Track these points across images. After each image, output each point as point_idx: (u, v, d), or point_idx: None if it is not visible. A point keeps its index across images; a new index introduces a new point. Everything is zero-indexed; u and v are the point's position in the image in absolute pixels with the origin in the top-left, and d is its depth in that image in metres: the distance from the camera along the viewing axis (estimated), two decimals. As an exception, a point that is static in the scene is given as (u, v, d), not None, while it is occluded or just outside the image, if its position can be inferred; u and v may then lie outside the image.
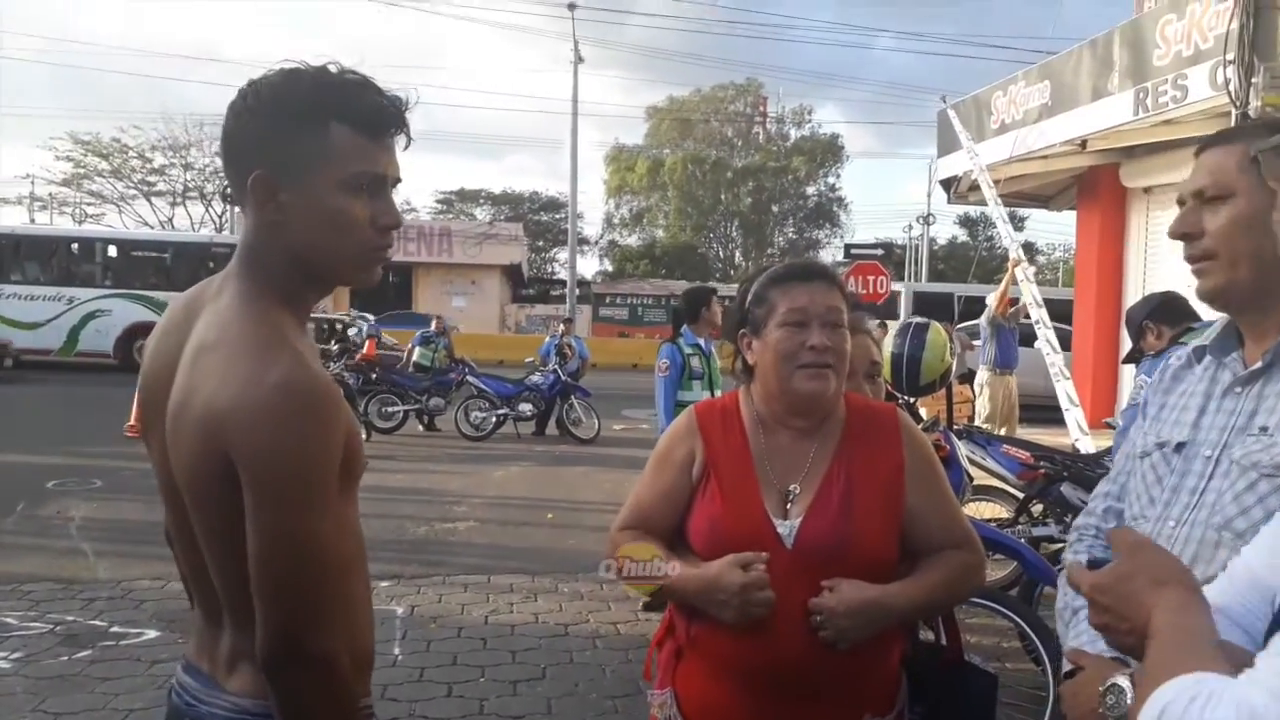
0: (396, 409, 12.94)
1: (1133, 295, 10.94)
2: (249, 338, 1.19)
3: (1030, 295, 9.26)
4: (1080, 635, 1.41)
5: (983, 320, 10.20)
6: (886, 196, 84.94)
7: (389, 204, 1.29)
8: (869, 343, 2.39)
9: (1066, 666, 1.39)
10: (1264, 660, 0.68)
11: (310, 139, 1.22)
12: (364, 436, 8.62)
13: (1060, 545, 5.06)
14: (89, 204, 38.40)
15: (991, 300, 10.01)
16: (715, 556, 1.68)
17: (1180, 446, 1.36)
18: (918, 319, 3.98)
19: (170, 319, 1.33)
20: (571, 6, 28.85)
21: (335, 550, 1.20)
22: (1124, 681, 1.20)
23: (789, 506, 1.71)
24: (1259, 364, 1.29)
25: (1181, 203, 1.40)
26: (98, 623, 4.96)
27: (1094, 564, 0.96)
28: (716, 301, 5.96)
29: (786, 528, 1.68)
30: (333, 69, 1.26)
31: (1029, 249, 48.43)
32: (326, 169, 1.23)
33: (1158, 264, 11.31)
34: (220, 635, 1.29)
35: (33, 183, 39.14)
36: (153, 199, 38.37)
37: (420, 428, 13.15)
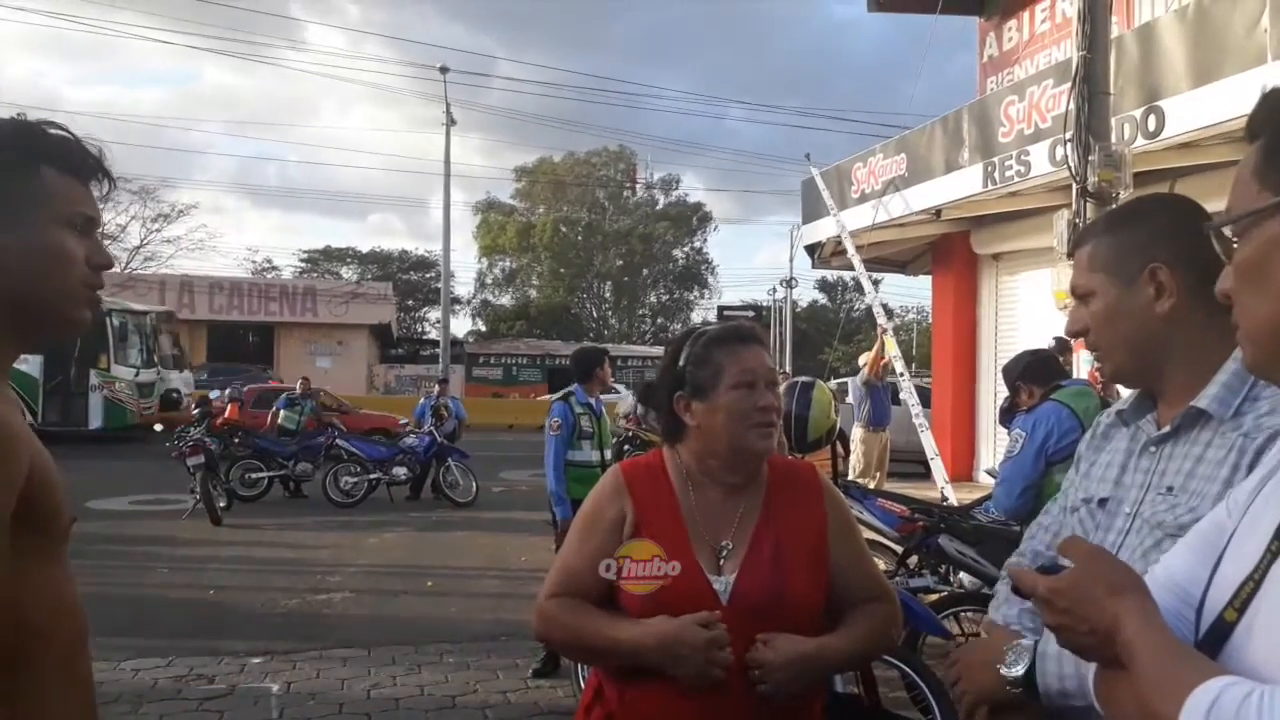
0: (260, 475, 12.38)
1: (986, 355, 11.66)
2: None
3: (896, 356, 9.87)
4: (1001, 613, 1.49)
5: (857, 380, 10.80)
6: (748, 261, 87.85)
7: (99, 244, 1.28)
8: None
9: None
10: None
11: (23, 182, 1.19)
12: (224, 504, 8.14)
13: (937, 594, 5.26)
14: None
15: (864, 362, 10.70)
16: (651, 615, 1.68)
17: (1103, 502, 1.44)
18: (803, 379, 4.12)
19: None
20: (444, 70, 28.89)
21: (22, 614, 1.07)
22: (1027, 643, 1.27)
23: (722, 562, 1.73)
24: (1167, 428, 1.38)
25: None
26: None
27: (1044, 570, 1.01)
28: (605, 363, 6.02)
29: (721, 583, 1.71)
30: (28, 117, 1.24)
31: (884, 311, 50.98)
32: (42, 209, 1.19)
33: (1010, 326, 12.06)
34: None
35: None
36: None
37: (285, 494, 12.61)
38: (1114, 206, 3.51)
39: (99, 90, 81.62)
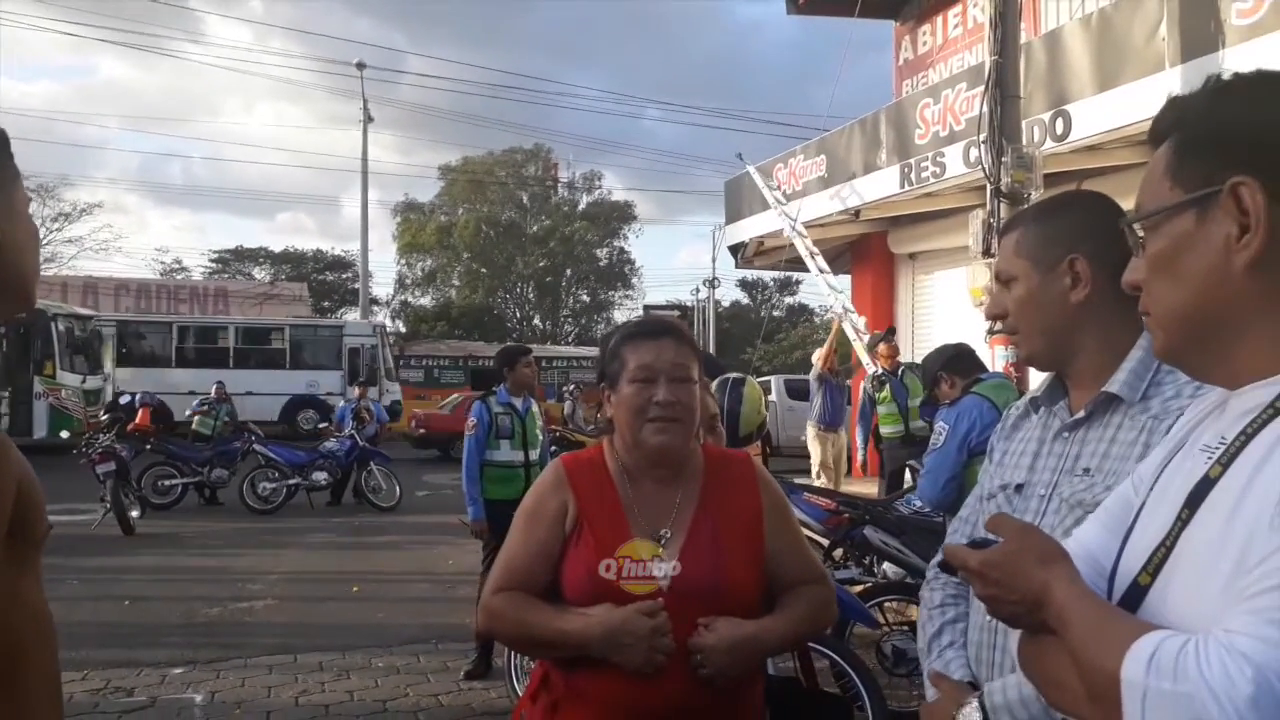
0: (174, 482, 12.01)
1: (904, 351, 11.92)
2: None
3: (863, 349, 9.59)
4: (944, 659, 1.54)
5: (810, 376, 10.12)
6: (668, 261, 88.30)
7: None
8: (707, 397, 2.51)
9: (931, 692, 1.51)
10: (1236, 619, 0.79)
11: (8, 159, 1.17)
12: (136, 513, 7.87)
13: (862, 585, 5.39)
14: None
15: (817, 357, 10.16)
16: (593, 604, 1.71)
17: (1020, 487, 1.53)
18: (735, 375, 4.17)
19: None
20: (360, 66, 28.40)
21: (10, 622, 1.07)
22: (974, 708, 1.34)
23: (662, 550, 1.77)
24: (1081, 413, 1.46)
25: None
26: None
27: (975, 545, 1.08)
28: (527, 361, 6.00)
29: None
30: None
31: (804, 310, 51.72)
32: (19, 190, 1.18)
33: (925, 323, 12.39)
34: None
35: None
36: None
37: (201, 501, 12.25)
38: (1032, 203, 3.65)
39: (-13, 83, 77.87)
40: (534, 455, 5.88)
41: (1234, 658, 0.75)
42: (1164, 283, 0.96)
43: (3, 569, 1.05)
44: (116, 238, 59.91)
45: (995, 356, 6.97)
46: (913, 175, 9.93)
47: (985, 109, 7.22)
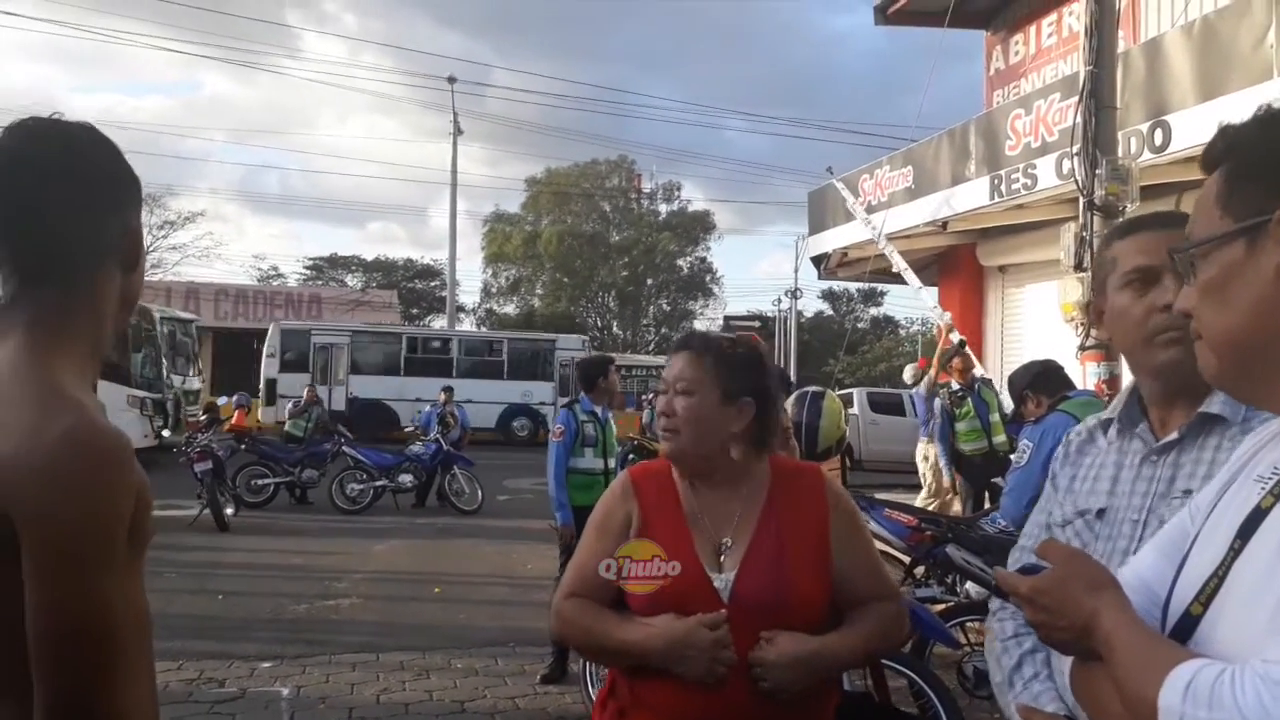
0: (267, 481, 12.44)
1: (992, 366, 11.67)
2: (28, 391, 1.13)
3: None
4: (1030, 692, 1.50)
5: (920, 390, 9.25)
6: (748, 271, 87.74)
7: None
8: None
9: None
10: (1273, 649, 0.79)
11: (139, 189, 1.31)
12: (231, 510, 8.20)
13: (944, 604, 5.28)
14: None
15: (911, 376, 9.75)
16: (655, 613, 1.74)
17: (1101, 513, 1.48)
18: (814, 389, 4.16)
19: None
20: (451, 80, 29.08)
21: (123, 614, 1.13)
22: None
23: (722, 560, 1.78)
24: (1174, 435, 1.42)
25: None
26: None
27: (1025, 571, 1.08)
28: (614, 371, 6.06)
29: (721, 581, 1.75)
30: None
31: (889, 322, 50.94)
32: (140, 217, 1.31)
33: (1015, 337, 12.08)
34: None
35: None
36: None
37: (292, 501, 12.65)
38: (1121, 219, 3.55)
39: (100, 98, 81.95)
40: (612, 463, 5.96)
41: (1269, 687, 0.76)
42: (1214, 310, 0.96)
43: (123, 569, 1.12)
44: (217, 245, 62.47)
45: (1086, 374, 6.76)
46: (1003, 187, 9.71)
47: (1079, 120, 7.03)
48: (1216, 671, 0.80)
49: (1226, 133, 0.98)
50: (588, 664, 4.78)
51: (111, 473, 1.11)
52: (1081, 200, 7.01)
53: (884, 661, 3.95)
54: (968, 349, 9.06)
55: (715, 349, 1.88)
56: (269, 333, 24.30)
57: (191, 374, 19.67)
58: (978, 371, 9.06)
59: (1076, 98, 7.17)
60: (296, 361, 23.37)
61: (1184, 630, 0.94)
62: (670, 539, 1.79)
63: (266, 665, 5.58)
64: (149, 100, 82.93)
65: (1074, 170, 7.16)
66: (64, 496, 1.07)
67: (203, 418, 12.70)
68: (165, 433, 16.30)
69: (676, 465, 1.87)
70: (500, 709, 5.00)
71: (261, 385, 23.22)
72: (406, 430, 18.28)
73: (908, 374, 10.08)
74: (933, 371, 9.09)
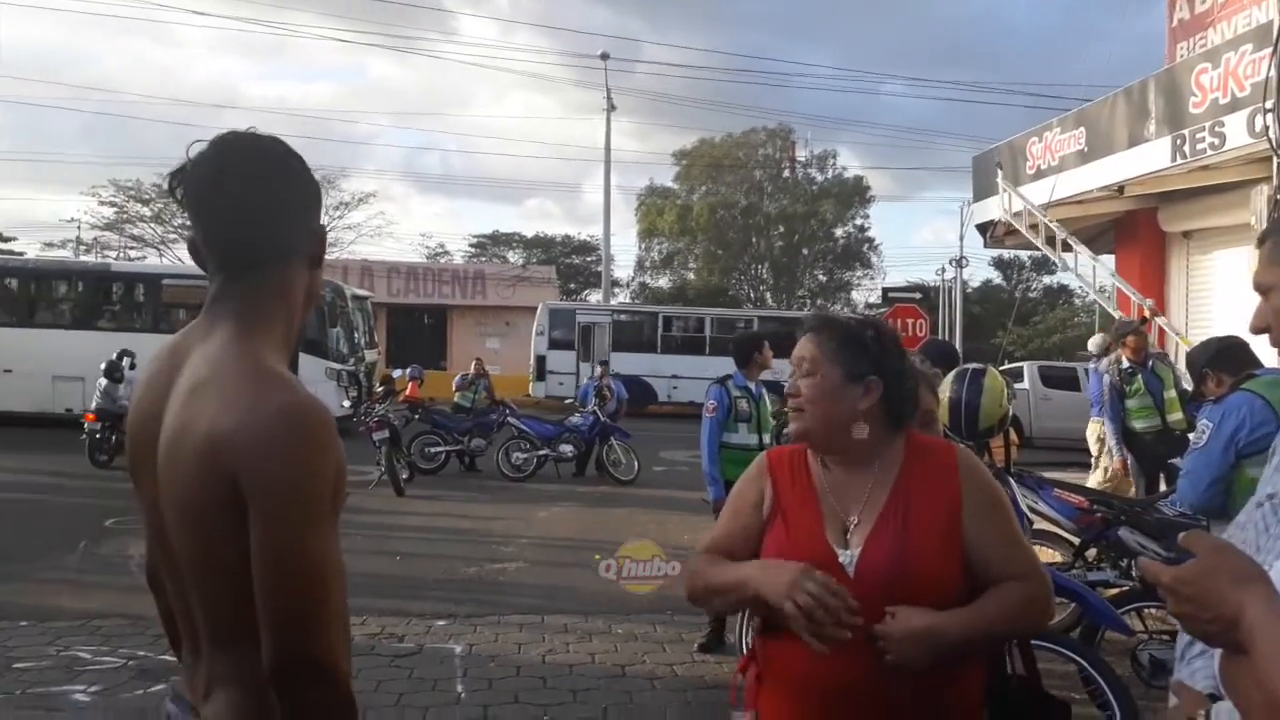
0: (439, 449, 13.12)
1: (1179, 337, 10.95)
2: (244, 369, 1.30)
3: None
4: (1190, 668, 1.49)
5: (1102, 366, 8.33)
6: (908, 239, 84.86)
7: None
8: (921, 390, 2.45)
9: (1172, 700, 1.47)
10: None
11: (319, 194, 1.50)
12: (406, 476, 8.77)
13: (1118, 589, 5.07)
14: (131, 248, 39.27)
15: (1095, 345, 9.14)
16: None
17: None
18: (974, 365, 4.05)
19: (157, 364, 1.43)
20: (604, 57, 29.42)
21: (333, 565, 1.27)
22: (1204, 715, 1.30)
23: (849, 536, 1.82)
24: None
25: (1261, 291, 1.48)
26: (168, 658, 5.08)
27: (1171, 562, 1.07)
28: (767, 347, 6.09)
29: (847, 556, 1.80)
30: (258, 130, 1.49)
31: (1063, 291, 48.24)
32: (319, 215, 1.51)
33: (1202, 307, 11.29)
34: (199, 665, 1.36)
35: (79, 227, 40.20)
36: (193, 243, 39.14)
37: (461, 468, 13.30)
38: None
39: (276, 85, 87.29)
40: (766, 439, 5.99)
41: None
42: None
43: (330, 527, 1.28)
44: (387, 224, 65.52)
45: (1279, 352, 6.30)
46: (1186, 148, 9.07)
47: (1274, 72, 6.50)
48: None
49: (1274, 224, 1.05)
50: (744, 634, 4.88)
51: (319, 441, 1.28)
52: (1276, 160, 6.51)
53: (1051, 646, 3.87)
54: (1144, 329, 8.48)
55: (837, 330, 1.92)
56: (538, 312, 26.11)
57: (368, 346, 20.84)
58: (1167, 345, 8.54)
59: (1271, 49, 6.63)
60: (563, 340, 24.97)
61: None
62: (800, 516, 1.87)
63: (441, 623, 5.95)
64: (318, 86, 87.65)
65: (1268, 128, 6.64)
66: (280, 462, 1.24)
67: (380, 389, 13.49)
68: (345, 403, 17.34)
69: (804, 443, 1.93)
70: (659, 675, 5.17)
71: (531, 361, 25.23)
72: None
73: (1093, 343, 9.51)
74: (1125, 350, 8.01)
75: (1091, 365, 8.96)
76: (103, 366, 13.22)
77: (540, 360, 24.85)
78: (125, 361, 12.89)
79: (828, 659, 1.69)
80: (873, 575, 1.75)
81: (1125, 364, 7.67)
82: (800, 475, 1.93)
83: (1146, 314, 9.44)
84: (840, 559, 1.79)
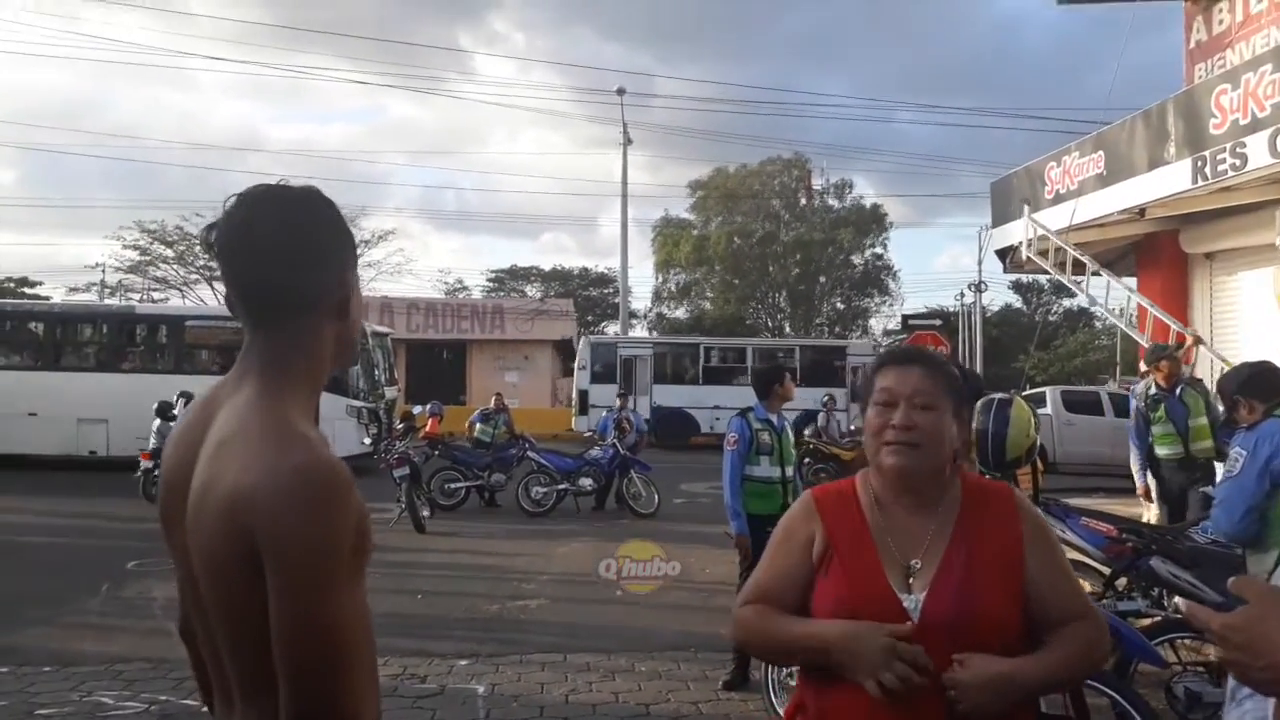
0: (458, 485, 13.09)
1: (1201, 360, 10.82)
2: (266, 427, 1.30)
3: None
4: (1240, 709, 1.44)
5: (1137, 390, 8.03)
6: (925, 265, 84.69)
7: None
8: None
9: None
10: None
11: (354, 242, 1.49)
12: (426, 513, 8.75)
13: (1150, 619, 4.96)
14: (154, 289, 39.72)
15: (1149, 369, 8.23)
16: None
17: None
18: (1000, 395, 4.00)
19: (190, 416, 1.44)
20: (620, 92, 29.68)
21: (352, 624, 1.26)
22: None
23: (911, 581, 1.77)
24: None
25: None
26: (190, 702, 5.05)
27: (1219, 606, 1.02)
28: (789, 379, 6.04)
29: (911, 602, 1.74)
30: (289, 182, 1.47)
31: (1084, 314, 47.90)
32: (356, 268, 1.49)
33: (1227, 328, 11.16)
34: (231, 716, 1.35)
35: (103, 270, 40.74)
36: (214, 283, 39.62)
37: (481, 503, 13.25)
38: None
39: (296, 128, 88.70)
40: (789, 471, 5.93)
41: None
42: None
43: (349, 585, 1.27)
44: (406, 261, 66.06)
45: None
46: (1207, 169, 8.99)
47: (1295, 92, 6.44)
48: None
49: None
50: (770, 672, 4.79)
51: (336, 500, 1.27)
52: (1300, 180, 6.43)
53: (1087, 681, 3.77)
54: (1179, 354, 8.27)
55: (939, 363, 1.91)
56: (579, 346, 26.45)
57: (387, 383, 20.90)
58: (1186, 372, 8.35)
59: (1292, 69, 6.58)
60: (605, 373, 25.03)
61: None
62: (857, 559, 1.80)
63: (463, 663, 5.89)
64: (337, 128, 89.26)
65: (1291, 148, 6.57)
66: (296, 522, 1.23)
67: (400, 426, 13.49)
68: (366, 440, 17.39)
69: (905, 482, 1.83)
70: (684, 713, 5.09)
71: (574, 396, 25.36)
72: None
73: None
74: (1157, 374, 7.73)
75: (1133, 386, 8.76)
76: (155, 406, 13.46)
77: (583, 395, 24.84)
78: (180, 401, 12.99)
79: (894, 709, 1.65)
80: (938, 620, 1.71)
81: (1154, 389, 7.56)
82: (852, 515, 1.86)
83: (1188, 339, 9.25)
84: (904, 604, 1.74)
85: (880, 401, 1.83)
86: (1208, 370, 9.42)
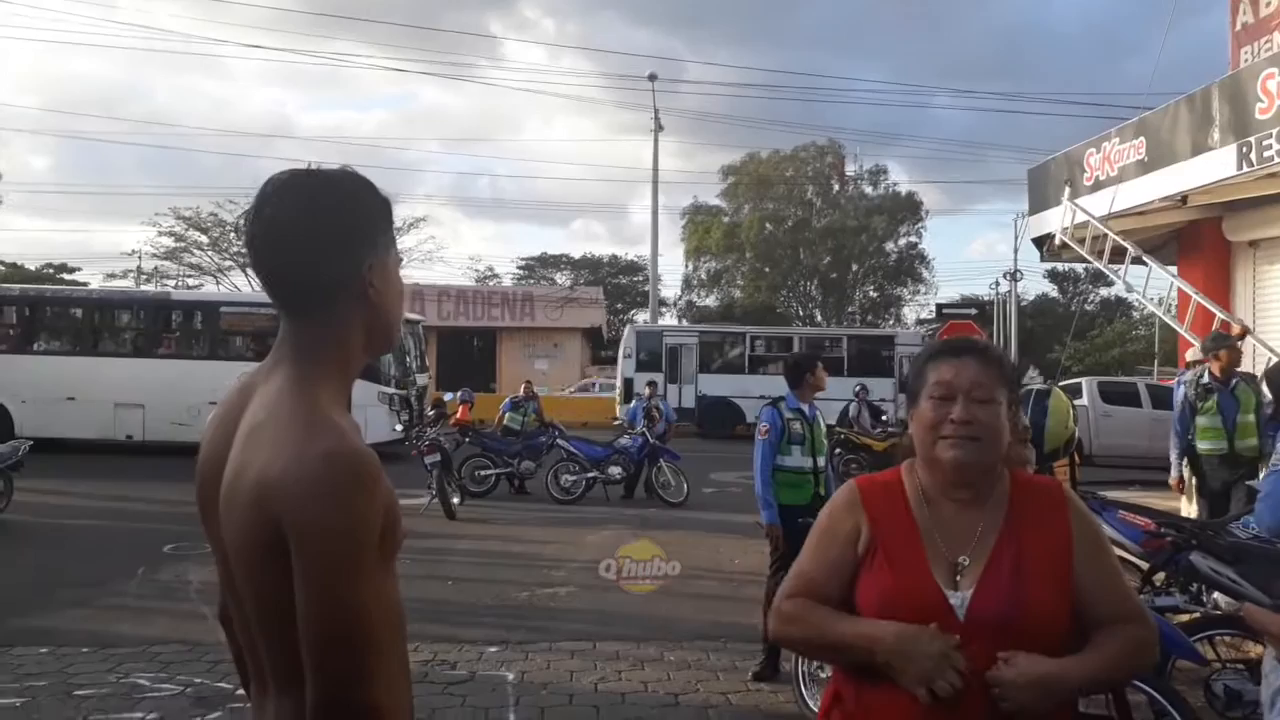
0: (488, 472, 13.15)
1: (1244, 353, 10.60)
2: (296, 414, 1.29)
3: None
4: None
5: (1185, 379, 7.88)
6: (959, 253, 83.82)
7: None
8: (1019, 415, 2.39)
9: None
10: None
11: (388, 225, 1.44)
12: (457, 500, 8.78)
13: (1189, 615, 4.87)
14: (189, 276, 40.24)
15: (1193, 357, 8.52)
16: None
17: None
18: (1038, 386, 3.94)
19: (227, 403, 1.44)
20: (652, 77, 29.57)
21: (377, 612, 1.25)
22: None
23: (958, 578, 1.73)
24: None
25: None
26: (224, 685, 5.11)
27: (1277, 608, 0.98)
28: (820, 368, 5.98)
29: (958, 599, 1.70)
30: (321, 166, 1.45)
31: (1120, 304, 47.22)
32: (393, 250, 1.44)
33: (1271, 317, 10.93)
34: (267, 703, 1.35)
35: (139, 257, 41.34)
36: (247, 270, 40.05)
37: (511, 490, 13.30)
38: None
39: (329, 115, 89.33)
40: (820, 461, 5.88)
41: None
42: None
43: (376, 574, 1.26)
44: (438, 248, 66.46)
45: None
46: (1253, 155, 8.78)
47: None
48: None
49: None
50: (800, 664, 4.76)
51: (363, 487, 1.25)
52: (1350, 167, 6.25)
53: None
54: (1240, 344, 8.00)
55: (996, 355, 1.87)
56: (624, 334, 26.44)
57: (418, 370, 21.04)
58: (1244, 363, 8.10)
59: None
60: (650, 362, 24.92)
61: None
62: (903, 555, 1.77)
63: (493, 650, 5.91)
64: (372, 114, 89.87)
65: (1341, 133, 6.39)
66: (322, 509, 1.22)
67: (431, 413, 13.56)
68: (398, 427, 17.51)
69: (966, 476, 1.78)
70: (713, 704, 5.07)
71: (619, 383, 25.16)
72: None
73: (1191, 355, 9.08)
74: (1215, 364, 7.52)
75: (1181, 376, 8.57)
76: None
77: (628, 383, 24.44)
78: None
79: (936, 709, 1.62)
80: (985, 619, 1.68)
81: (1206, 379, 7.36)
82: (898, 509, 1.83)
83: (1237, 329, 9.02)
84: (951, 601, 1.70)
85: (937, 395, 1.78)
86: (1250, 361, 9.21)
